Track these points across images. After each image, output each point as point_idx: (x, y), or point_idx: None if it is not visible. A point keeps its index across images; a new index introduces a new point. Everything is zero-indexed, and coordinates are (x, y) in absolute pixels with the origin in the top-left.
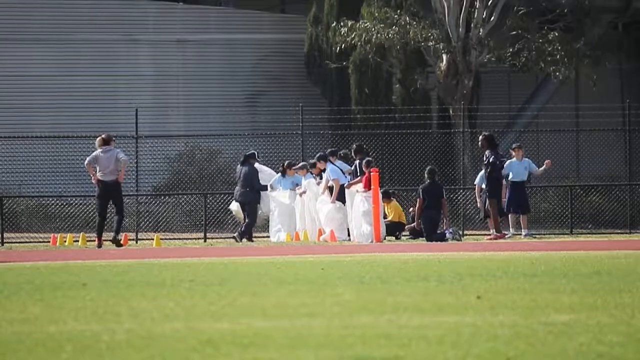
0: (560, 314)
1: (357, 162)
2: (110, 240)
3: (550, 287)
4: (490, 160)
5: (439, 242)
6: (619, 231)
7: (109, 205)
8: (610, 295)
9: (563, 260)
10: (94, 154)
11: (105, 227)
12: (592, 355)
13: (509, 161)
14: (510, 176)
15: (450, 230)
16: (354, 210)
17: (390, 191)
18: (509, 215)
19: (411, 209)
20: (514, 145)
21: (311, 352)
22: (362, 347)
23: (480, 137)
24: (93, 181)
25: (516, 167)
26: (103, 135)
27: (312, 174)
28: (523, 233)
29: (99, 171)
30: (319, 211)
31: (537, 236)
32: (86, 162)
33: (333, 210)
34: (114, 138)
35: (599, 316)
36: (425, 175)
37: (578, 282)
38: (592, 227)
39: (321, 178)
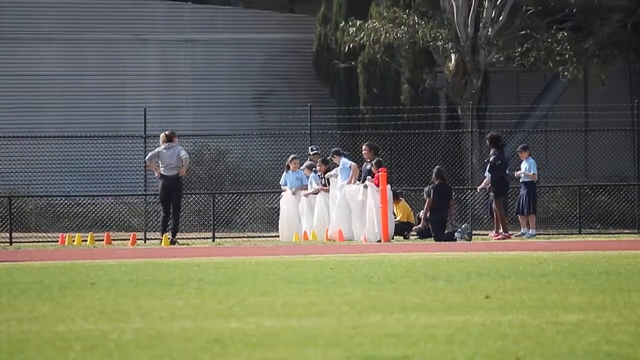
0: (569, 313)
1: (368, 161)
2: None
3: (558, 287)
4: (490, 160)
5: (447, 242)
6: (628, 231)
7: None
8: (619, 295)
9: (571, 260)
10: (156, 150)
11: (112, 226)
12: (600, 354)
13: (531, 161)
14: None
15: (459, 230)
16: (362, 209)
17: (399, 191)
18: (520, 216)
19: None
20: (519, 147)
21: (320, 351)
22: (370, 347)
23: (487, 137)
24: (156, 175)
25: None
26: (166, 132)
27: (316, 172)
28: (528, 232)
29: (162, 166)
30: (331, 208)
31: (537, 236)
32: (147, 157)
33: (345, 208)
34: (177, 134)
35: (608, 316)
36: (433, 176)
37: (587, 282)
38: (600, 227)
39: (324, 178)
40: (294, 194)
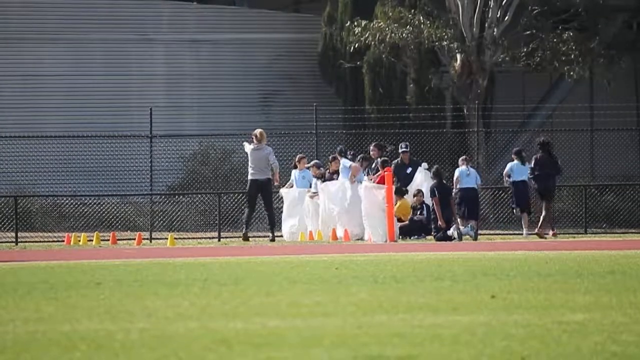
0: (575, 313)
1: (377, 160)
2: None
3: (564, 287)
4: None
5: (450, 242)
6: (634, 231)
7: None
8: (625, 295)
9: (577, 260)
10: (246, 149)
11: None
12: (606, 354)
13: (509, 164)
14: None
15: (468, 226)
16: (370, 209)
17: (404, 189)
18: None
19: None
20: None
21: (325, 351)
22: (376, 347)
23: (539, 141)
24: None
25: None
26: (257, 131)
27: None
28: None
29: (251, 166)
30: (332, 209)
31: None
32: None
33: (347, 208)
34: (265, 135)
35: (614, 315)
36: (432, 175)
37: (592, 282)
38: (606, 226)
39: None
40: (313, 195)
